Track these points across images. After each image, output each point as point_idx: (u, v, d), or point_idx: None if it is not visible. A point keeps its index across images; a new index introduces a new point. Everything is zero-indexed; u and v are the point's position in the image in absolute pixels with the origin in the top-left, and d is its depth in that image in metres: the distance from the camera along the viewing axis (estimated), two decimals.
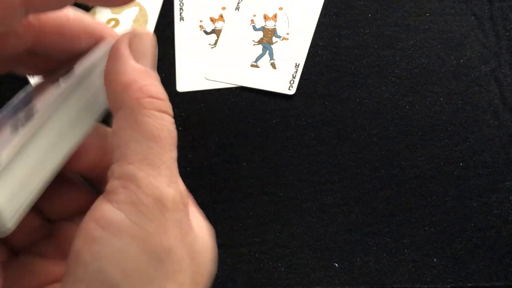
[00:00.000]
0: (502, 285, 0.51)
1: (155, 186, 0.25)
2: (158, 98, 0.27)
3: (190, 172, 0.57)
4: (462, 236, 0.53)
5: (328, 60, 0.63)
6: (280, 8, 0.66)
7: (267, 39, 0.63)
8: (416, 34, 0.64)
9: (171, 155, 0.27)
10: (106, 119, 0.30)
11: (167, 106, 0.29)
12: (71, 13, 0.29)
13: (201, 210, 0.30)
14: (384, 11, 0.66)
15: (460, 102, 0.59)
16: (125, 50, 0.28)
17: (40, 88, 0.31)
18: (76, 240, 0.24)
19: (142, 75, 0.28)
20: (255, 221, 0.54)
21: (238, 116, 0.60)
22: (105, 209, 0.24)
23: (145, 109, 0.26)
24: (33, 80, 0.60)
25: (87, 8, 0.65)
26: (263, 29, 0.64)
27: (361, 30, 0.65)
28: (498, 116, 0.58)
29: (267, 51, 0.62)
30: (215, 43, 0.63)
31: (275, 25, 0.64)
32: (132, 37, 0.28)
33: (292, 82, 0.61)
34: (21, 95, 0.32)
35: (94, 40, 0.30)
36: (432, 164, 0.56)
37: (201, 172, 0.57)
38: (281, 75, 0.61)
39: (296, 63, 0.62)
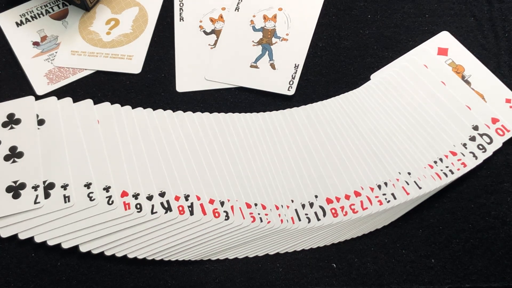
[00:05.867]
0: (499, 286, 0.51)
1: None
2: None
3: None
4: (459, 237, 0.53)
5: (327, 61, 0.63)
6: (280, 9, 0.66)
7: (267, 39, 0.63)
8: (416, 35, 0.64)
9: None
10: None
11: None
12: None
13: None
14: (383, 12, 0.66)
15: None
16: None
17: None
18: None
19: None
20: None
21: None
22: None
23: None
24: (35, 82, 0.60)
25: (87, 8, 0.65)
26: (262, 29, 0.64)
27: (361, 31, 0.65)
28: None
29: (267, 52, 0.63)
30: (215, 44, 0.64)
31: (274, 26, 0.64)
32: None
33: (291, 82, 0.61)
34: None
35: None
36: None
37: None
38: (280, 76, 0.61)
39: (295, 64, 0.62)
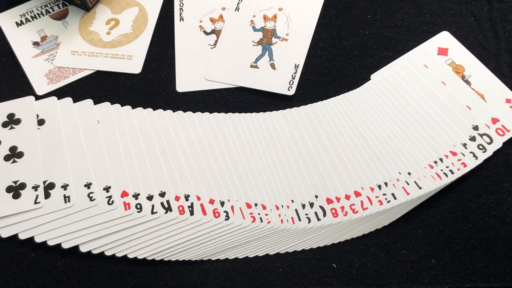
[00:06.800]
0: (499, 286, 0.51)
1: None
2: None
3: None
4: (460, 237, 0.53)
5: (327, 61, 0.63)
6: (280, 9, 0.66)
7: (267, 39, 0.63)
8: (416, 35, 0.64)
9: None
10: None
11: None
12: None
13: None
14: (383, 12, 0.66)
15: None
16: None
17: None
18: None
19: None
20: None
21: None
22: None
23: None
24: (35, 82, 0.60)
25: (87, 8, 0.65)
26: (262, 29, 0.64)
27: (361, 31, 0.65)
28: None
29: (267, 52, 0.63)
30: (215, 44, 0.64)
31: (274, 26, 0.64)
32: None
33: (291, 82, 0.61)
34: None
35: None
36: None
37: None
38: (280, 76, 0.61)
39: (295, 64, 0.62)
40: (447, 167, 0.54)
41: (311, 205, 0.53)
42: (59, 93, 0.60)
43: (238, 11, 0.66)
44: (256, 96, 0.61)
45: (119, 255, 0.50)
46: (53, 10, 0.66)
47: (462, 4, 0.66)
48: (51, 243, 0.50)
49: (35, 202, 0.51)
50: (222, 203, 0.52)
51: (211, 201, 0.52)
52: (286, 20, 0.65)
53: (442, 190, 0.55)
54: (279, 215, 0.52)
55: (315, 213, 0.52)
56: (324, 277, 0.51)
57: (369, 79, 0.61)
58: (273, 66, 0.62)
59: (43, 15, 0.65)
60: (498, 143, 0.56)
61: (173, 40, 0.64)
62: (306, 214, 0.52)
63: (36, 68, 0.61)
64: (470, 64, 0.61)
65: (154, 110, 0.58)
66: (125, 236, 0.50)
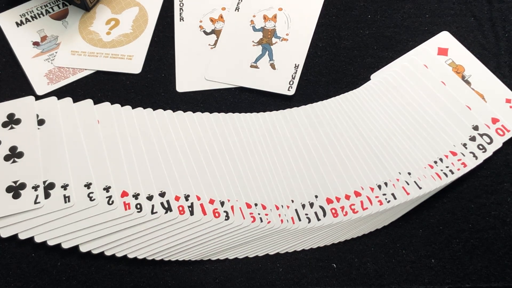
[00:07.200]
0: (499, 286, 0.51)
1: None
2: None
3: None
4: (460, 237, 0.53)
5: (327, 61, 0.63)
6: (280, 9, 0.66)
7: (267, 39, 0.63)
8: (416, 35, 0.64)
9: None
10: None
11: None
12: None
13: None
14: (383, 12, 0.66)
15: None
16: None
17: None
18: None
19: None
20: None
21: None
22: None
23: None
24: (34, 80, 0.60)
25: (87, 8, 0.65)
26: (262, 29, 0.64)
27: (361, 31, 0.65)
28: None
29: (267, 52, 0.63)
30: (215, 44, 0.64)
31: (274, 26, 0.64)
32: None
33: (291, 82, 0.61)
34: None
35: None
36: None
37: None
38: (280, 76, 0.61)
39: (295, 64, 0.62)
40: (447, 167, 0.54)
41: (311, 205, 0.53)
42: (59, 93, 0.60)
43: (238, 11, 0.66)
44: (256, 96, 0.61)
45: (119, 255, 0.50)
46: (53, 10, 0.66)
47: (462, 4, 0.66)
48: (51, 243, 0.50)
49: (35, 202, 0.51)
50: (222, 203, 0.52)
51: (211, 201, 0.52)
52: (286, 20, 0.65)
53: (442, 190, 0.55)
54: (279, 215, 0.52)
55: (315, 213, 0.52)
56: (324, 277, 0.51)
57: (369, 79, 0.61)
58: (273, 66, 0.62)
59: (43, 15, 0.66)
60: (498, 143, 0.56)
61: (173, 40, 0.64)
62: (306, 214, 0.52)
63: (36, 68, 0.61)
64: (470, 64, 0.61)
65: (154, 110, 0.58)
66: (125, 236, 0.50)
